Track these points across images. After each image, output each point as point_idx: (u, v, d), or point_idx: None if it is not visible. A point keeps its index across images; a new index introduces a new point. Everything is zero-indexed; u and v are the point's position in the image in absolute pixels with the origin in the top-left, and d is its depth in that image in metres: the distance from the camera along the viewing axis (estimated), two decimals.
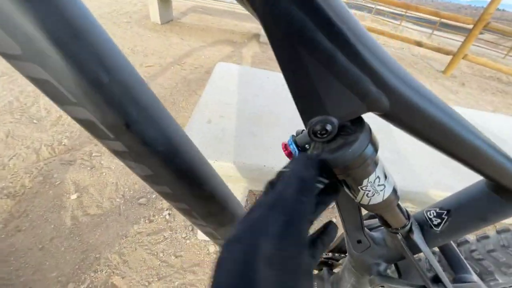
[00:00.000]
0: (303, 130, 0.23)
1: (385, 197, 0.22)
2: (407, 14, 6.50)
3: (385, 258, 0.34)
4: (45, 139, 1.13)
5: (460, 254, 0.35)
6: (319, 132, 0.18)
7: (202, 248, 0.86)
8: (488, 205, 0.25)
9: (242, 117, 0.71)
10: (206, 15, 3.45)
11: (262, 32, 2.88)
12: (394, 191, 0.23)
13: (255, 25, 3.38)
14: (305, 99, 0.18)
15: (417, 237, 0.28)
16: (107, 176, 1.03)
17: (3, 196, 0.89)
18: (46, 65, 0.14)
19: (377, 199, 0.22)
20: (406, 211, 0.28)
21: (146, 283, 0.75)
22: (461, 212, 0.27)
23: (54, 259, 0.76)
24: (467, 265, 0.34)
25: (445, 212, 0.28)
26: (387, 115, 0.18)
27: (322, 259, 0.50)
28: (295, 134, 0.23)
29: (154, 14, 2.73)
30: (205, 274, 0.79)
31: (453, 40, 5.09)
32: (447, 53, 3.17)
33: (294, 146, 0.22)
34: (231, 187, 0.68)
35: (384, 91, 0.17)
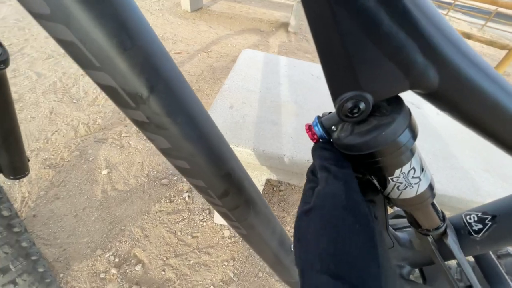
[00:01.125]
0: (330, 112, 0.21)
1: (419, 192, 0.20)
2: (456, 2, 5.84)
3: (409, 261, 0.31)
4: (82, 118, 1.22)
5: (500, 267, 0.31)
6: (349, 110, 0.16)
7: (217, 232, 0.89)
8: None
9: (264, 105, 0.70)
10: (235, 3, 3.42)
11: (290, 21, 2.78)
12: (430, 187, 0.21)
13: (284, 14, 3.28)
14: (337, 70, 0.16)
15: (451, 241, 0.25)
16: (134, 155, 1.09)
17: (46, 166, 0.99)
18: (73, 27, 0.14)
19: (409, 193, 0.20)
20: (442, 212, 0.26)
21: (164, 258, 0.80)
22: (509, 219, 0.24)
23: (85, 227, 0.84)
24: (508, 280, 0.30)
25: (490, 217, 0.25)
26: (432, 95, 0.16)
27: None
28: (320, 115, 0.21)
29: (184, 1, 2.77)
30: (218, 256, 0.82)
31: (510, 33, 4.49)
32: (501, 47, 2.80)
33: (319, 128, 0.20)
34: (249, 174, 0.69)
35: (434, 62, 0.14)
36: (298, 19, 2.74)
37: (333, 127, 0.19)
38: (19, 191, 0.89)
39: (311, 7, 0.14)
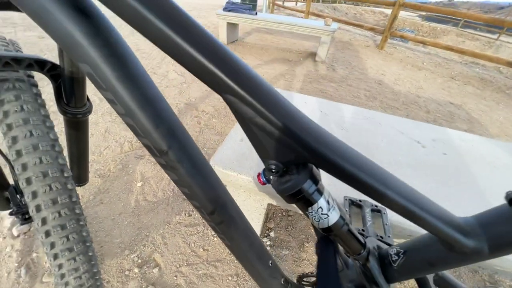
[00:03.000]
0: None
1: (330, 223, 0.28)
2: (508, 27, 5.39)
3: (355, 284, 0.37)
4: (128, 137, 1.47)
5: None
6: (271, 170, 0.27)
7: (225, 248, 0.98)
8: (435, 253, 0.28)
9: None
10: (268, 34, 3.73)
11: (318, 51, 2.92)
12: (342, 219, 0.29)
13: (312, 44, 3.46)
14: (262, 151, 0.27)
15: (372, 266, 0.32)
16: (164, 172, 1.27)
17: (96, 175, 1.22)
18: (133, 120, 0.28)
19: (323, 224, 0.29)
20: (364, 240, 0.33)
21: (178, 265, 0.91)
22: (414, 255, 0.30)
23: (119, 229, 1.01)
24: None
25: (402, 251, 0.31)
26: (315, 165, 0.26)
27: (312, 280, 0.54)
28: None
29: (222, 35, 3.13)
30: (224, 270, 0.90)
31: None
32: None
33: (263, 177, 0.30)
34: (252, 199, 0.78)
35: (306, 151, 0.24)
36: (325, 50, 2.87)
37: (271, 177, 0.30)
38: None
39: (243, 125, 0.25)
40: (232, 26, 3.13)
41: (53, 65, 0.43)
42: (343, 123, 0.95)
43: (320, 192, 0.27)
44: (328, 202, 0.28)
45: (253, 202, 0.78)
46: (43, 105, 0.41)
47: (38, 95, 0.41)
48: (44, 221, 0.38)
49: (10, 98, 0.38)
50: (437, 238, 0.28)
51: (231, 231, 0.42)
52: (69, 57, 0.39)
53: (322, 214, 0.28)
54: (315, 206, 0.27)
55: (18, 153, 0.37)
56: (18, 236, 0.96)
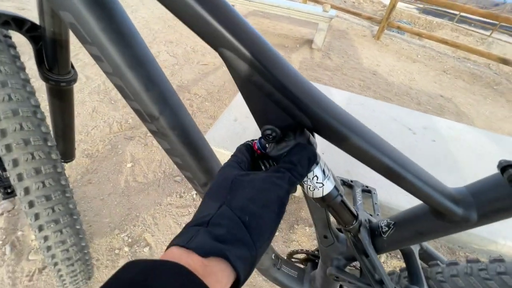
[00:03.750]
0: None
1: (325, 193, 0.28)
2: (501, 23, 5.46)
3: (344, 256, 0.38)
4: (117, 117, 1.43)
5: (420, 268, 0.37)
6: (267, 135, 0.26)
7: None
8: (426, 222, 0.29)
9: None
10: (265, 19, 3.62)
11: (315, 38, 2.87)
12: (336, 189, 0.29)
13: (309, 31, 3.39)
14: (259, 115, 0.26)
15: (363, 237, 0.33)
16: (155, 153, 1.25)
17: (84, 155, 1.18)
18: (122, 80, 0.26)
19: (318, 193, 0.28)
20: (356, 211, 0.33)
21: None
22: (404, 225, 0.31)
23: (108, 209, 0.99)
24: (423, 279, 0.36)
25: (392, 223, 0.32)
26: (313, 130, 0.25)
27: (307, 256, 0.55)
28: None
29: None
30: None
31: None
32: None
33: (259, 145, 0.30)
34: None
35: (305, 115, 0.24)
36: (322, 37, 2.82)
37: (267, 145, 0.29)
38: None
39: (242, 86, 0.24)
40: None
41: (33, 24, 0.40)
42: None
43: (316, 162, 0.27)
44: (323, 172, 0.28)
45: None
46: (22, 68, 0.38)
47: (16, 57, 0.38)
48: (27, 190, 0.36)
49: None
50: (428, 208, 0.28)
51: None
52: (49, 4, 0.36)
53: (317, 183, 0.27)
54: (310, 175, 0.27)
55: None
56: (2, 214, 0.93)
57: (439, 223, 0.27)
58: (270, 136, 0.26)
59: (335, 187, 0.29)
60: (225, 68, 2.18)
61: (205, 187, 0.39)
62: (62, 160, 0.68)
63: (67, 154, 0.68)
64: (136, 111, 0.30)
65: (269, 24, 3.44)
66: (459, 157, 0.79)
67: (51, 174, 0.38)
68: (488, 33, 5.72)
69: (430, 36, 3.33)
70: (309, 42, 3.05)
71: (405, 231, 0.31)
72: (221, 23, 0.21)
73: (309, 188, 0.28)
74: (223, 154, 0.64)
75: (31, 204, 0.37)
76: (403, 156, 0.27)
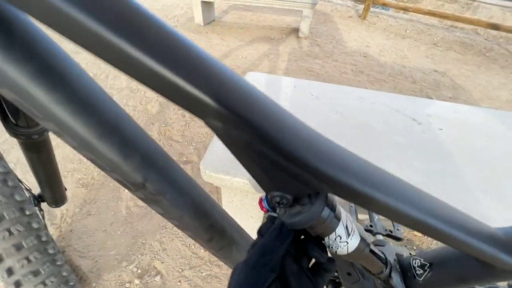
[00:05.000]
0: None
1: (349, 251, 0.24)
2: None
3: None
4: None
5: None
6: (277, 202, 0.22)
7: None
8: (469, 269, 0.25)
9: None
10: (246, 11, 3.49)
11: (300, 26, 2.79)
12: (362, 243, 0.25)
13: (294, 18, 3.29)
14: (263, 183, 0.21)
15: (395, 283, 0.29)
16: None
17: (79, 185, 1.13)
18: (92, 153, 0.22)
19: (342, 251, 0.25)
20: (385, 257, 0.29)
21: (180, 270, 0.88)
22: (443, 269, 0.27)
23: (113, 240, 0.95)
24: None
25: (428, 264, 0.28)
26: (333, 192, 0.21)
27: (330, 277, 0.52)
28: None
29: (197, 16, 2.90)
30: (228, 269, 0.89)
31: None
32: None
33: (267, 205, 0.25)
34: (250, 198, 0.74)
35: (319, 180, 0.19)
36: (308, 24, 2.74)
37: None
38: (58, 208, 1.04)
39: (237, 152, 0.19)
40: (207, 5, 2.89)
41: None
42: (336, 106, 0.90)
43: (338, 218, 0.23)
44: (347, 228, 0.24)
45: (251, 200, 0.74)
46: None
47: None
48: (10, 271, 0.32)
49: None
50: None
51: (233, 254, 0.38)
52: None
53: (340, 242, 0.24)
54: (332, 236, 0.23)
55: None
56: None
57: (486, 271, 0.24)
58: (280, 203, 0.22)
59: (361, 239, 0.25)
60: None
61: (210, 243, 0.35)
62: (54, 206, 0.64)
63: (57, 199, 0.63)
64: (118, 182, 0.26)
65: (252, 16, 3.33)
66: (470, 145, 0.75)
67: (35, 246, 0.34)
68: None
69: (417, 9, 3.25)
70: (295, 30, 2.96)
71: (444, 275, 0.27)
72: (200, 88, 0.16)
73: (331, 248, 0.24)
74: (223, 179, 0.60)
75: (17, 284, 0.33)
76: (436, 202, 0.23)
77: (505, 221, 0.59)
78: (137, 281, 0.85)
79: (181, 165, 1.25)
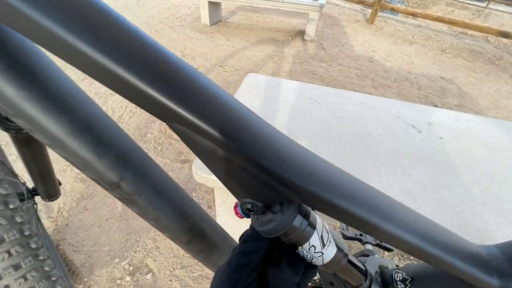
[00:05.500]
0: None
1: (325, 261, 0.24)
2: None
3: None
4: None
5: None
6: (247, 209, 0.21)
7: None
8: (449, 286, 0.24)
9: None
10: (253, 12, 3.50)
11: (306, 29, 2.78)
12: (339, 253, 0.24)
13: (300, 21, 3.28)
14: (233, 189, 0.21)
15: None
16: None
17: (78, 180, 1.15)
18: (65, 151, 0.22)
19: (317, 262, 0.24)
20: (365, 268, 0.29)
21: (172, 269, 0.88)
22: (424, 285, 0.26)
23: (107, 236, 0.96)
24: None
25: (409, 279, 0.27)
26: (303, 203, 0.20)
27: None
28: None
29: (204, 16, 2.92)
30: None
31: None
32: None
33: (242, 212, 0.25)
34: None
35: (290, 189, 0.19)
36: (314, 27, 2.72)
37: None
38: (56, 202, 1.05)
39: (203, 158, 0.19)
40: (214, 6, 2.90)
41: None
42: (335, 110, 0.89)
43: (312, 227, 0.22)
44: (322, 238, 0.23)
45: None
46: None
47: None
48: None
49: None
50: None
51: (213, 258, 0.37)
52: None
53: (315, 252, 0.23)
54: (306, 245, 0.22)
55: None
56: None
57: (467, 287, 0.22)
58: (251, 210, 0.21)
59: (338, 249, 0.24)
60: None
61: (189, 245, 0.34)
62: (47, 200, 0.64)
63: (51, 193, 0.64)
64: (93, 180, 0.26)
65: (259, 18, 3.34)
66: (470, 156, 0.73)
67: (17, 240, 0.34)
68: (484, 4, 5.51)
69: (426, 15, 3.20)
70: (301, 33, 2.95)
71: None
72: (164, 93, 0.15)
73: (306, 257, 0.23)
74: (215, 180, 0.59)
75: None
76: (414, 216, 0.22)
77: (503, 237, 0.57)
78: (128, 278, 0.85)
79: (179, 164, 1.25)
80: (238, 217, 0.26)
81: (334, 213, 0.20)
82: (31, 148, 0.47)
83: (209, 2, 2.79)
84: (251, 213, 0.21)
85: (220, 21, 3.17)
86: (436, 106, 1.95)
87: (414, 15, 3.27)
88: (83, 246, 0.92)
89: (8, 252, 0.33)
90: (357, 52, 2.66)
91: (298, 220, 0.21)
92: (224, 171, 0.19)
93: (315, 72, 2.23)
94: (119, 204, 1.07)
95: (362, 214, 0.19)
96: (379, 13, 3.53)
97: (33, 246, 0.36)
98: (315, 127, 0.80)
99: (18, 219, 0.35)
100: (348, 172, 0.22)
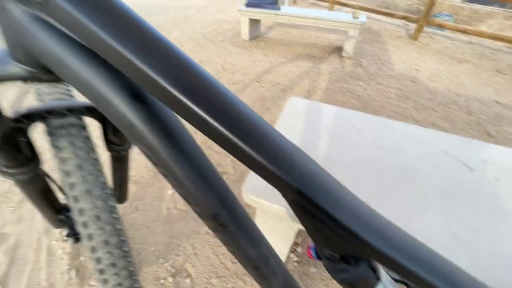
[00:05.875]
0: None
1: None
2: None
3: None
4: None
5: None
6: (325, 257, 0.26)
7: None
8: None
9: None
10: (291, 28, 3.59)
11: (344, 45, 2.77)
12: None
13: (338, 37, 3.28)
14: (314, 237, 0.26)
15: None
16: None
17: (132, 182, 1.29)
18: (185, 192, 0.29)
19: None
20: None
21: (208, 277, 0.95)
22: None
23: (154, 237, 1.07)
24: None
25: None
26: (378, 262, 0.24)
27: None
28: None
29: (244, 31, 3.08)
30: (252, 285, 0.93)
31: None
32: None
33: (315, 254, 0.29)
34: (284, 223, 0.78)
35: (369, 251, 0.23)
36: (352, 44, 2.71)
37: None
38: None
39: (299, 215, 0.24)
40: (254, 22, 3.06)
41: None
42: (377, 139, 0.89)
43: (378, 278, 0.26)
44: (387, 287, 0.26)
45: (284, 226, 0.78)
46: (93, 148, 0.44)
47: (87, 137, 0.43)
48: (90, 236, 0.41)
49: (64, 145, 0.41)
50: None
51: (273, 280, 0.42)
52: (126, 137, 0.40)
53: None
54: None
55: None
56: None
57: None
58: (329, 259, 0.26)
59: None
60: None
61: (257, 270, 0.39)
62: (118, 203, 0.76)
63: (122, 198, 0.76)
64: (195, 212, 0.32)
65: (296, 33, 3.41)
66: None
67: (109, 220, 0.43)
68: None
69: (479, 32, 2.97)
70: (338, 49, 2.95)
71: None
72: (283, 173, 0.21)
73: None
74: (262, 204, 0.65)
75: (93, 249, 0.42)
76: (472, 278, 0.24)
77: None
78: (170, 279, 0.93)
79: None
80: (308, 256, 0.31)
81: (402, 275, 0.23)
82: (121, 164, 0.59)
83: (250, 19, 2.94)
84: (328, 261, 0.26)
85: (258, 36, 3.31)
86: (490, 134, 1.79)
87: (465, 31, 3.05)
88: (134, 244, 1.04)
89: (106, 242, 0.42)
90: (398, 71, 2.57)
91: (369, 274, 0.25)
92: (309, 223, 0.24)
93: (352, 90, 2.21)
94: (164, 208, 1.18)
95: (430, 279, 0.23)
96: (425, 28, 3.36)
97: (122, 238, 0.45)
98: (357, 156, 0.82)
99: (116, 215, 0.44)
100: (414, 237, 0.25)
